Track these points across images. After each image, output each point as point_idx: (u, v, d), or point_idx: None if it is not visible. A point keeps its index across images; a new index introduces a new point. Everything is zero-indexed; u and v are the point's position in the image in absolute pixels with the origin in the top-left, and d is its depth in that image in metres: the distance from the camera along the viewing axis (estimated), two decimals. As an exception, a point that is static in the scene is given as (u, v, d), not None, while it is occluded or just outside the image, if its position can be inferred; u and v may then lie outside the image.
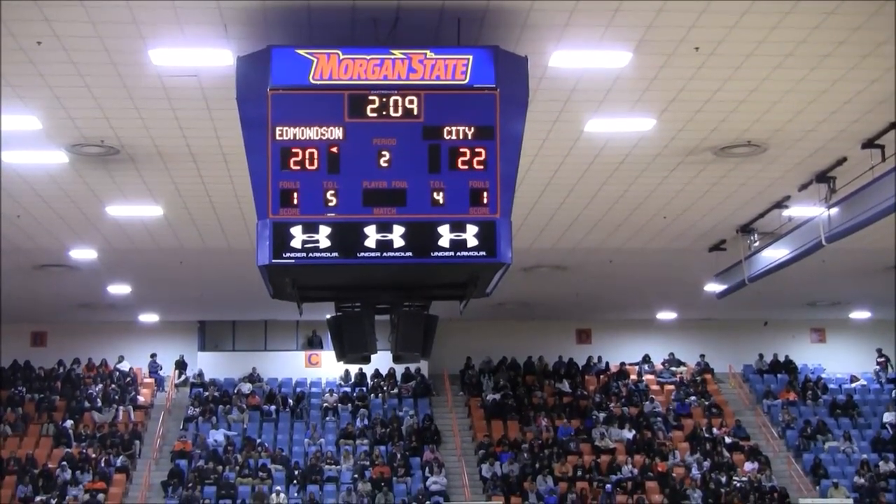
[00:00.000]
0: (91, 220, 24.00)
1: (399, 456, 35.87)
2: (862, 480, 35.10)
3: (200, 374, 40.74)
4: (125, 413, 38.44)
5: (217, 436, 37.01)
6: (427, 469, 35.29)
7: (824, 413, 39.89)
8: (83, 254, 27.47)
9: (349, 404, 39.34)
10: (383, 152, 12.87)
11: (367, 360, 14.86)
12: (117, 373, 40.50)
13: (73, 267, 29.17)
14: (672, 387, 41.34)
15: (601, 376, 41.62)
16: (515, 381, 40.99)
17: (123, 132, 18.09)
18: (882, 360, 42.07)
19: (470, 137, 12.94)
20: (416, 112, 12.86)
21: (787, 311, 39.80)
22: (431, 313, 14.45)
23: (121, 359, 40.99)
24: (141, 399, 39.63)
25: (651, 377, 42.00)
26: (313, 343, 41.79)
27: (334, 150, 12.83)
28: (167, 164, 19.94)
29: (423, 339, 14.20)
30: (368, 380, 40.65)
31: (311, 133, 12.83)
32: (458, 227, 12.82)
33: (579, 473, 35.37)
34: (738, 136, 18.82)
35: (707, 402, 40.15)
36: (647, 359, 42.75)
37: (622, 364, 42.19)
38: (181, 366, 41.18)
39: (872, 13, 13.77)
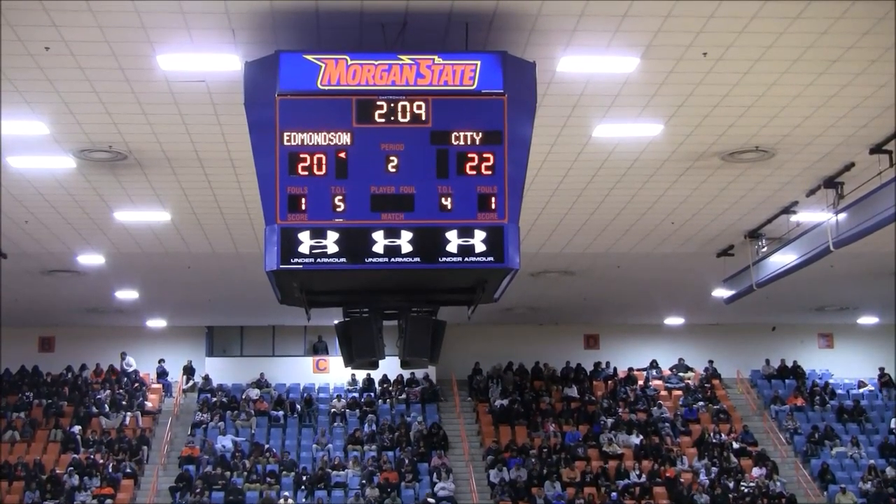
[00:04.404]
0: (99, 225, 24.02)
1: (407, 461, 35.86)
2: (869, 486, 35.04)
3: (208, 380, 40.77)
4: (133, 418, 38.48)
5: (225, 441, 37.03)
6: (435, 474, 35.28)
7: (832, 418, 39.88)
8: (91, 259, 27.49)
9: (357, 410, 39.37)
10: (391, 157, 12.85)
11: (374, 366, 14.80)
12: (124, 377, 40.51)
13: (81, 272, 29.19)
14: (680, 392, 41.33)
15: (609, 381, 41.60)
16: (523, 386, 40.99)
17: (131, 137, 18.10)
18: (885, 378, 42.01)
19: (478, 143, 12.93)
20: (424, 117, 12.85)
21: (794, 316, 39.78)
22: (439, 318, 14.42)
23: (123, 356, 40.97)
24: (149, 404, 39.67)
25: (659, 382, 41.98)
26: (318, 349, 41.81)
27: (342, 155, 12.83)
28: (175, 169, 19.95)
29: (431, 345, 14.16)
30: (376, 385, 40.67)
31: (319, 138, 12.83)
32: (465, 232, 12.80)
33: (587, 479, 35.37)
34: (746, 142, 18.80)
35: (715, 408, 40.13)
36: (654, 364, 42.73)
37: (630, 369, 42.21)
38: (189, 371, 41.20)
39: (881, 18, 13.75)
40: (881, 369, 42.15)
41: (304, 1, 13.08)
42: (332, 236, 12.72)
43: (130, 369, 40.96)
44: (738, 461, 36.82)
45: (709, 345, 42.58)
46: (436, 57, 12.90)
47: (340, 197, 12.78)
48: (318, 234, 12.71)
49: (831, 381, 42.54)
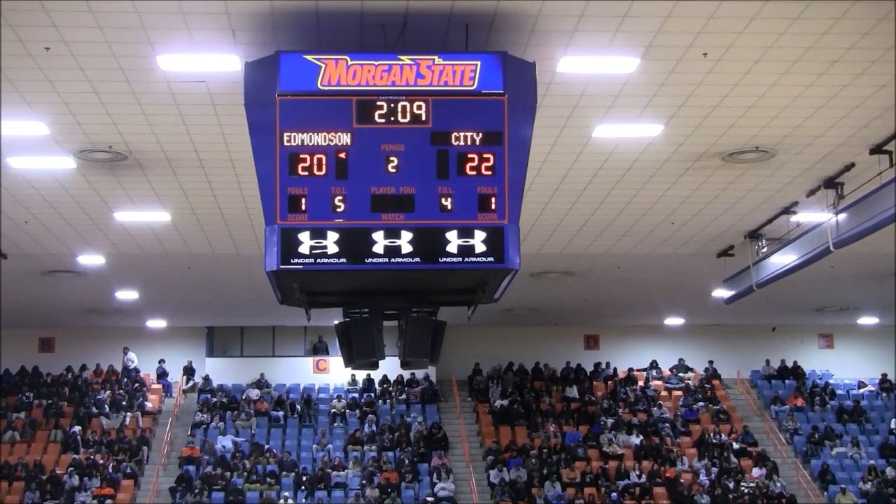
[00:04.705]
0: (99, 225, 24.01)
1: (407, 462, 35.86)
2: (870, 486, 35.04)
3: (208, 380, 40.76)
4: (133, 419, 38.49)
5: (225, 442, 37.03)
6: (435, 475, 35.28)
7: (832, 419, 39.90)
8: (91, 259, 27.47)
9: (357, 410, 39.38)
10: (391, 158, 12.84)
11: (375, 366, 14.79)
12: (125, 377, 40.49)
13: (81, 272, 29.18)
14: (680, 392, 41.34)
15: (609, 382, 41.61)
16: (523, 386, 40.99)
17: (131, 138, 18.09)
18: (885, 384, 42.00)
19: (478, 143, 12.92)
20: (424, 118, 12.84)
21: (794, 316, 39.81)
22: (439, 319, 14.41)
23: (125, 351, 40.97)
24: (149, 405, 39.68)
25: (659, 383, 42.00)
26: (318, 349, 41.82)
27: (342, 155, 12.81)
28: (175, 169, 19.94)
29: (431, 345, 14.13)
30: (376, 385, 40.67)
31: (319, 139, 12.81)
32: (466, 232, 12.79)
33: (587, 479, 35.37)
34: (746, 142, 18.79)
35: (715, 408, 40.14)
36: (654, 364, 42.73)
37: (630, 370, 42.23)
38: (189, 371, 41.20)
39: (881, 18, 13.74)
40: (883, 375, 42.14)
41: (304, 1, 13.08)
42: (333, 237, 12.70)
43: (132, 365, 41.00)
44: (739, 461, 36.83)
45: (709, 345, 42.59)
46: (436, 57, 12.89)
47: (340, 197, 12.77)
48: (319, 234, 12.69)
49: (831, 381, 42.57)
